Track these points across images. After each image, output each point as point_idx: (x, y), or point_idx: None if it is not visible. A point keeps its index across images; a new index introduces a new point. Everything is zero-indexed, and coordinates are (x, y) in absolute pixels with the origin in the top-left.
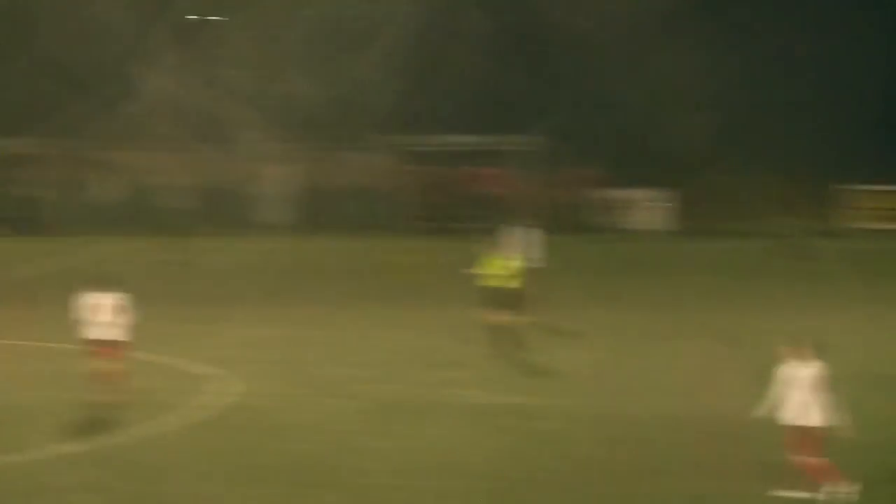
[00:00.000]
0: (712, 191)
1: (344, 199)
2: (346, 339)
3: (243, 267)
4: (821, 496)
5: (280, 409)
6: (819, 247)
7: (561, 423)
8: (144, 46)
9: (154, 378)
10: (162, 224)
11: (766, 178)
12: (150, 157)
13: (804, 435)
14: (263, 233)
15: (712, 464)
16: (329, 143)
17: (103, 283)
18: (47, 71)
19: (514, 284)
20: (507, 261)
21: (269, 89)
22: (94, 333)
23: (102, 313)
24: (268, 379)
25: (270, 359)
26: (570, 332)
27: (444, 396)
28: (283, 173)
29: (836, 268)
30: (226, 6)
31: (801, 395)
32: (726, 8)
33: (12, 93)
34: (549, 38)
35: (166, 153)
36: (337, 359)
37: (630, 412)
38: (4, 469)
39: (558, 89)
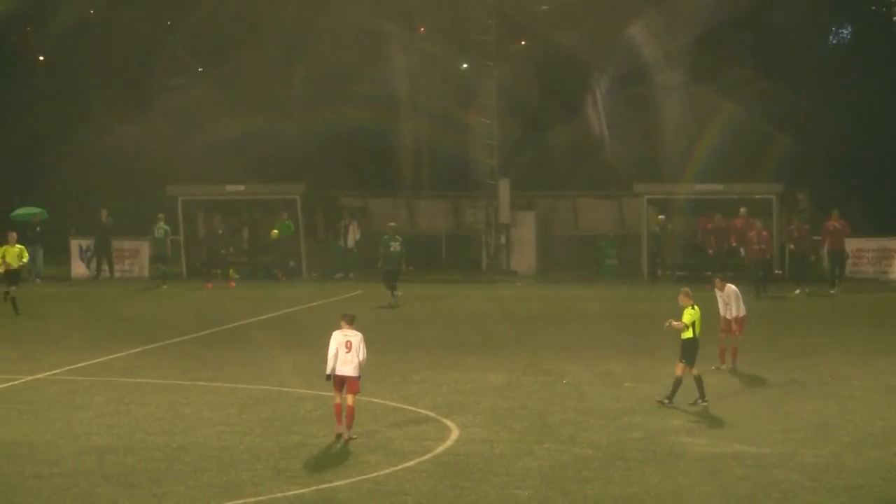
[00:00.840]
0: None
1: (583, 245)
2: (567, 386)
3: (477, 313)
4: None
5: (501, 455)
6: None
7: (795, 473)
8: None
9: (377, 421)
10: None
11: None
12: (397, 204)
13: None
14: (502, 279)
15: None
16: (569, 191)
17: (350, 321)
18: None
19: (687, 335)
20: (692, 311)
21: (510, 135)
22: (340, 369)
23: (347, 350)
24: (490, 424)
25: (494, 405)
26: (796, 381)
27: (667, 444)
28: (524, 220)
29: None
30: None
31: None
32: None
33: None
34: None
35: (417, 199)
36: (557, 405)
37: (860, 465)
38: None
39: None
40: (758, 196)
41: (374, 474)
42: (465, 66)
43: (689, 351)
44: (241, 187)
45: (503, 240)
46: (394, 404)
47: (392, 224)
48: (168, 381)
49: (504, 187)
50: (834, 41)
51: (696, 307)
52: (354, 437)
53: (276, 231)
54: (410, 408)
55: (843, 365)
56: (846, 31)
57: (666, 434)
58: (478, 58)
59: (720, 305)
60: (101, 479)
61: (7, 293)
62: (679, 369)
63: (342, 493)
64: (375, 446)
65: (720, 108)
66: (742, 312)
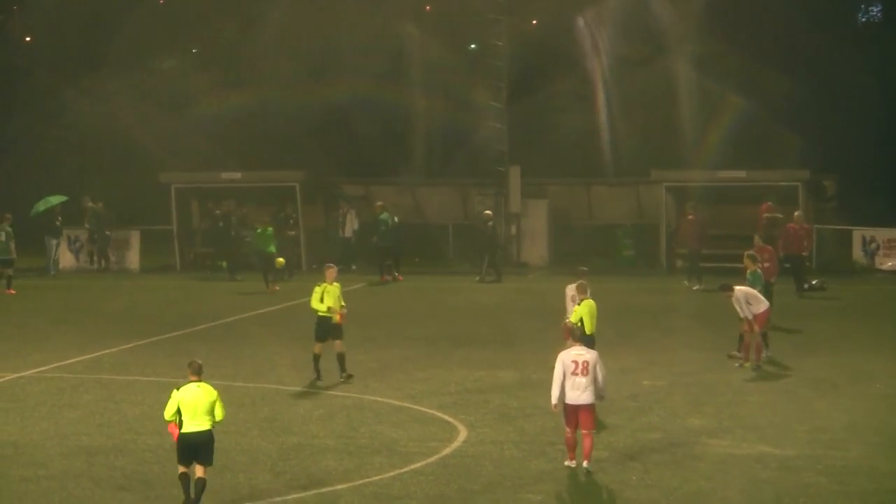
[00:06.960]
0: None
1: (599, 235)
2: None
3: (486, 307)
4: None
5: (512, 458)
6: None
7: (823, 476)
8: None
9: (381, 421)
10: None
11: None
12: (401, 192)
13: None
14: (513, 271)
15: None
16: (585, 179)
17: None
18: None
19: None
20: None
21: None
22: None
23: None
24: (500, 425)
25: (504, 403)
26: (824, 378)
27: (687, 445)
28: (535, 209)
29: None
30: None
31: None
32: None
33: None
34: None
35: (423, 187)
36: None
37: (892, 467)
38: None
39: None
40: (782, 183)
41: (378, 477)
42: (473, 46)
43: None
44: (238, 174)
45: (514, 230)
46: (398, 403)
47: (380, 203)
48: (161, 378)
49: (514, 174)
50: (863, 19)
51: (583, 302)
52: None
53: (281, 259)
54: (416, 407)
55: (875, 362)
56: (876, 9)
57: (686, 434)
58: (488, 37)
59: (737, 309)
60: (91, 482)
61: (341, 354)
62: None
63: (344, 497)
64: (379, 447)
65: (737, 91)
66: (759, 310)
